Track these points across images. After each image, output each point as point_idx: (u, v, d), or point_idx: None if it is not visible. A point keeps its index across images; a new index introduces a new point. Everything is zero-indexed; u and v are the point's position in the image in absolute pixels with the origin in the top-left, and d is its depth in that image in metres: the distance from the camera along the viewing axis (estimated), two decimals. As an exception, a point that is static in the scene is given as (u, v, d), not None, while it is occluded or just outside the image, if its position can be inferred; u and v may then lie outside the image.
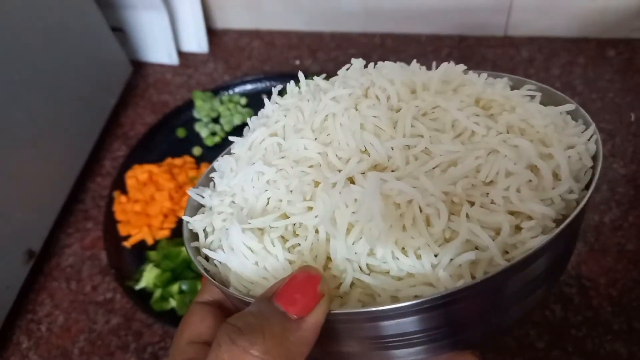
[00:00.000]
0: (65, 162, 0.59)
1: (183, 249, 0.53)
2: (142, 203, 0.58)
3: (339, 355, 0.23)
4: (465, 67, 0.29)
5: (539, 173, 0.23)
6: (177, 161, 0.62)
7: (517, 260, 0.19)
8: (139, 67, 0.76)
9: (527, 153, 0.23)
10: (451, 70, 0.28)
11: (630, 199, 0.53)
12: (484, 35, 0.72)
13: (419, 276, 0.21)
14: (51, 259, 0.57)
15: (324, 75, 0.31)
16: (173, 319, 0.49)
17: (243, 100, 0.68)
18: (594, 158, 0.24)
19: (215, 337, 0.20)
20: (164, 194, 0.58)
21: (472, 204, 0.22)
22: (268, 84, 0.70)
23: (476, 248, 0.21)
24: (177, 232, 0.57)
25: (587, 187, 0.24)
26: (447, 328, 0.22)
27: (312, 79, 0.30)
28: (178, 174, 0.60)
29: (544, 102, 0.27)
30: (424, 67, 0.29)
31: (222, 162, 0.30)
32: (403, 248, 0.21)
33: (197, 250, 0.27)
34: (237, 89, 0.69)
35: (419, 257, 0.21)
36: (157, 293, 0.50)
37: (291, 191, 0.24)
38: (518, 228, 0.22)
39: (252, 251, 0.24)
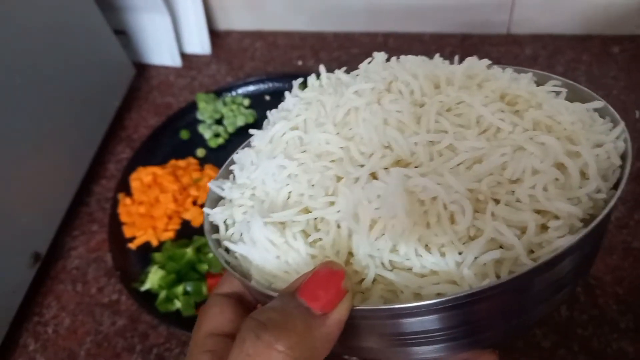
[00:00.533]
0: (69, 165, 0.59)
1: (187, 250, 0.53)
2: (147, 205, 0.58)
3: (359, 350, 0.23)
4: (490, 62, 0.28)
5: (566, 171, 0.22)
6: (181, 163, 0.62)
7: (544, 260, 0.19)
8: (142, 69, 0.76)
9: (554, 151, 0.22)
10: (475, 64, 0.28)
11: (636, 197, 0.52)
12: (487, 33, 0.72)
13: (442, 274, 0.21)
14: (57, 261, 0.57)
15: (344, 68, 0.30)
16: (178, 320, 0.49)
17: (246, 102, 0.68)
18: (623, 157, 0.24)
19: (239, 332, 0.19)
20: (168, 195, 0.58)
21: (497, 201, 0.22)
22: (271, 85, 0.70)
23: (501, 247, 0.21)
24: (182, 233, 0.57)
25: (615, 186, 0.23)
26: (469, 326, 0.21)
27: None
28: (182, 175, 0.60)
29: (569, 99, 0.26)
30: (447, 62, 0.29)
31: (242, 155, 0.30)
32: (426, 245, 0.21)
33: (218, 243, 0.27)
34: (240, 90, 0.69)
35: (443, 254, 0.21)
36: (162, 294, 0.50)
37: (313, 185, 0.24)
38: (544, 227, 0.21)
39: (273, 245, 0.23)
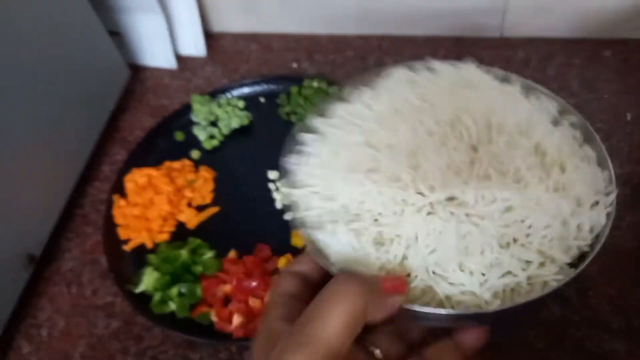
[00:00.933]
0: (64, 167, 0.59)
1: (182, 252, 0.53)
2: (141, 207, 0.58)
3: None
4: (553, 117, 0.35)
5: (568, 226, 0.30)
6: (176, 165, 0.62)
7: (535, 297, 0.28)
8: (137, 71, 0.76)
9: (564, 211, 0.30)
10: (524, 114, 0.34)
11: (627, 199, 0.53)
12: (480, 36, 0.72)
13: (467, 286, 0.29)
14: (51, 263, 0.57)
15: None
16: (173, 322, 0.49)
17: (241, 104, 0.68)
18: (608, 215, 0.31)
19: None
20: (163, 197, 0.58)
21: (515, 240, 0.29)
22: (265, 86, 0.70)
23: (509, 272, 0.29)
24: (176, 235, 0.57)
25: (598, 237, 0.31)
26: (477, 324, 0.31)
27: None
28: (177, 177, 0.60)
29: (581, 140, 0.34)
30: (480, 70, 0.37)
31: (311, 142, 0.36)
32: (461, 266, 0.29)
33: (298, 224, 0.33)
34: (235, 92, 0.70)
35: (471, 274, 0.29)
36: (157, 296, 0.50)
37: (383, 203, 0.31)
38: (542, 264, 0.29)
39: (352, 247, 0.30)
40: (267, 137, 0.65)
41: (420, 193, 0.30)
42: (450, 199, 0.30)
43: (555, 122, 0.35)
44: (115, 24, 0.73)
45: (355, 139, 0.34)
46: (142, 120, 0.70)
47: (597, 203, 0.31)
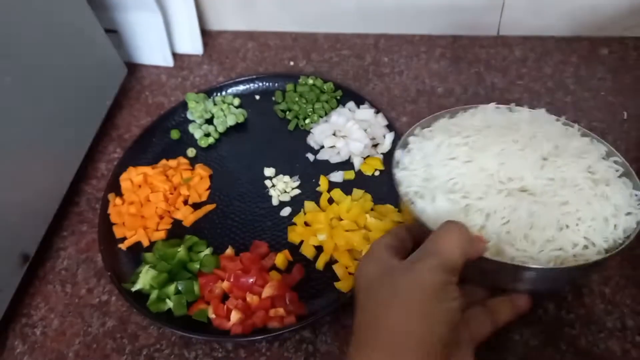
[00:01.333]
0: (60, 165, 0.59)
1: (179, 249, 0.53)
2: (137, 205, 0.58)
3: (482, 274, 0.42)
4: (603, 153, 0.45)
5: (607, 222, 0.40)
6: (172, 162, 0.62)
7: (578, 264, 0.38)
8: (134, 69, 0.76)
9: (606, 212, 0.40)
10: (582, 145, 0.45)
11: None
12: (477, 35, 0.72)
13: (529, 252, 0.39)
14: (46, 262, 0.57)
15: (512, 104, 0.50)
16: (170, 320, 0.49)
17: (236, 101, 0.68)
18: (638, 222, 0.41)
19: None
20: (159, 195, 0.58)
21: (567, 226, 0.40)
22: (260, 84, 0.70)
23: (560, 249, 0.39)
24: (173, 233, 0.57)
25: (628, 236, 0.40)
26: (530, 283, 0.42)
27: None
28: (172, 175, 0.60)
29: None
30: (560, 122, 0.49)
31: (415, 141, 0.48)
32: (526, 236, 0.39)
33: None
34: (230, 90, 0.70)
35: (534, 244, 0.39)
36: (154, 294, 0.50)
37: (473, 185, 0.42)
38: (585, 247, 0.39)
39: (448, 213, 0.41)
40: (263, 135, 0.65)
41: (502, 181, 0.42)
42: (523, 190, 0.42)
43: (603, 158, 0.46)
44: (112, 22, 0.73)
45: (456, 141, 0.45)
46: (139, 118, 0.70)
47: (629, 213, 0.41)
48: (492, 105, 0.50)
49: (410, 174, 0.46)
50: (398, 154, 0.48)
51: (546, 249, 0.39)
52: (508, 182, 0.42)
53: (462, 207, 0.41)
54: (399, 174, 0.46)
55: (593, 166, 0.43)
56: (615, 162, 0.44)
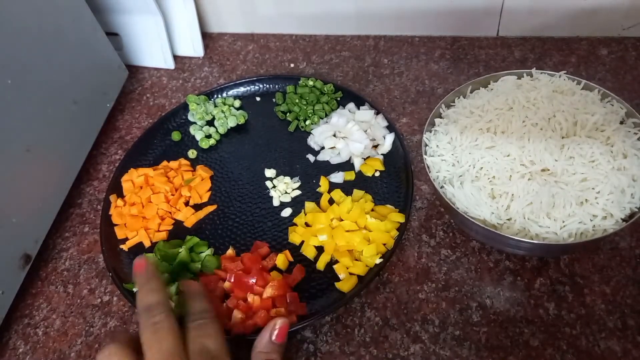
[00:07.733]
0: (61, 167, 0.59)
1: (180, 250, 0.53)
2: (139, 206, 0.58)
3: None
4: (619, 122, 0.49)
5: (625, 193, 0.44)
6: (173, 164, 0.63)
7: (596, 237, 0.42)
8: (135, 71, 0.76)
9: (623, 183, 0.44)
10: (600, 115, 0.48)
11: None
12: (476, 36, 0.72)
13: (552, 229, 0.43)
14: (48, 263, 0.57)
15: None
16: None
17: (237, 103, 0.68)
18: None
19: None
20: (160, 196, 0.58)
21: (587, 200, 0.44)
22: (261, 86, 0.70)
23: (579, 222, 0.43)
24: (174, 234, 0.57)
25: None
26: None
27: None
28: (174, 176, 0.60)
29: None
30: (570, 81, 0.52)
31: (442, 126, 0.52)
32: (548, 214, 0.44)
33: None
34: (231, 92, 0.70)
35: (555, 221, 0.43)
36: (154, 295, 0.50)
37: (497, 170, 0.47)
38: (604, 218, 0.43)
39: (474, 196, 0.46)
40: (263, 136, 0.66)
41: (524, 165, 0.46)
42: (544, 170, 0.46)
43: (622, 122, 0.49)
44: (114, 25, 0.73)
45: (479, 126, 0.49)
46: (140, 120, 0.70)
47: None
48: (510, 77, 0.54)
49: (439, 160, 0.49)
50: (426, 137, 0.51)
51: (568, 224, 0.43)
52: (530, 166, 0.46)
53: (488, 192, 0.46)
54: (429, 160, 0.50)
55: (612, 137, 0.47)
56: (634, 123, 0.48)
